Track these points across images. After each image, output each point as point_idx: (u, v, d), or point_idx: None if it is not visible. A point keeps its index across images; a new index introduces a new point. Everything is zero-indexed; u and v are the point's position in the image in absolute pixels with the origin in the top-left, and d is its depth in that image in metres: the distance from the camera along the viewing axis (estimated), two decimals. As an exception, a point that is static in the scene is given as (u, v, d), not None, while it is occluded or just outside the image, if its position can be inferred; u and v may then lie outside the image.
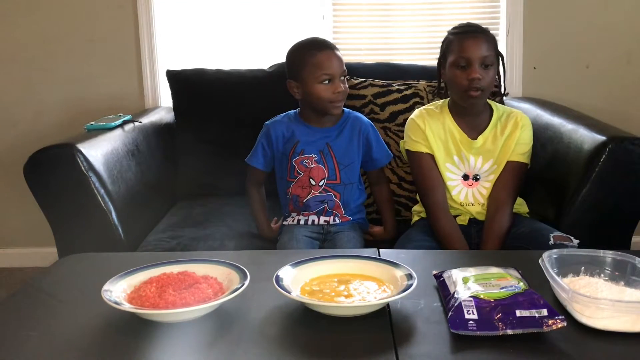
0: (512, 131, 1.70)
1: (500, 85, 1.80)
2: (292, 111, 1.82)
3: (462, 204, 1.73)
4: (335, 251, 1.58)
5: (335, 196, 1.77)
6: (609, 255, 1.11)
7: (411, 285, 1.03)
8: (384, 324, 0.99)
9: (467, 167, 1.72)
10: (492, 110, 1.74)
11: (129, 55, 2.62)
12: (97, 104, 2.61)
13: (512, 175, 1.69)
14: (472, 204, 1.73)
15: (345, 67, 1.72)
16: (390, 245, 1.74)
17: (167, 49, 2.65)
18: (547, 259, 1.07)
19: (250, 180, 1.83)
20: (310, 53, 1.70)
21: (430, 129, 1.72)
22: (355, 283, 1.09)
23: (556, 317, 0.92)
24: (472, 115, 1.72)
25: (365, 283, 1.09)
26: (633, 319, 0.94)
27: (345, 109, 1.82)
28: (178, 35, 2.66)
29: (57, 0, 2.59)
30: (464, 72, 1.62)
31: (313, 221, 1.77)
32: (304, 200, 1.76)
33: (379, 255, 1.29)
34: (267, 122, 1.81)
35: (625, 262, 1.09)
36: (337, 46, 2.62)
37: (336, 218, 1.77)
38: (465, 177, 1.73)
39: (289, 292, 1.02)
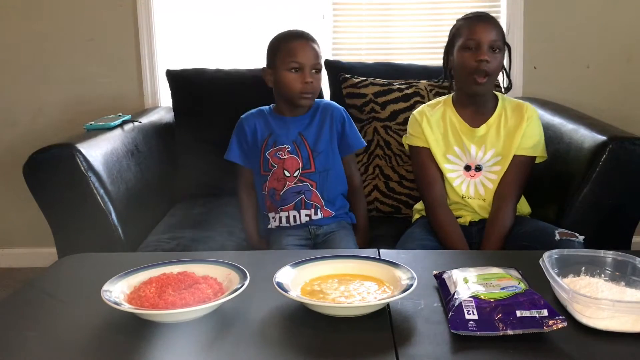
0: (518, 123, 1.69)
1: (507, 78, 1.82)
2: (266, 106, 1.84)
3: (464, 197, 1.72)
4: (335, 251, 1.57)
5: (312, 185, 1.74)
6: (609, 255, 1.11)
7: (411, 285, 1.03)
8: (384, 324, 0.99)
9: (469, 157, 1.72)
10: (497, 101, 1.74)
11: (128, 55, 2.62)
12: (97, 103, 2.61)
13: (518, 170, 1.69)
14: (473, 197, 1.72)
15: (319, 61, 1.72)
16: (392, 244, 1.73)
17: (167, 48, 2.65)
18: (547, 259, 1.07)
19: (240, 181, 1.82)
20: (285, 40, 1.72)
21: (428, 122, 1.73)
22: (356, 283, 1.09)
23: (556, 318, 0.92)
24: (476, 105, 1.72)
25: (366, 283, 1.09)
26: (633, 319, 0.94)
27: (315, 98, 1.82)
28: (178, 35, 2.66)
29: (57, 0, 2.59)
30: (473, 54, 1.63)
31: (295, 217, 1.74)
32: (281, 194, 1.74)
33: (379, 256, 1.29)
34: (242, 115, 1.83)
35: (626, 262, 1.09)
36: (337, 46, 2.68)
37: (318, 211, 1.74)
38: (467, 167, 1.72)
39: (289, 293, 1.02)
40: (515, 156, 1.69)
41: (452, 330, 0.94)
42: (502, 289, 0.98)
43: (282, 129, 1.76)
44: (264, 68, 1.77)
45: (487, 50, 1.62)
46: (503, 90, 1.84)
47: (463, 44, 1.65)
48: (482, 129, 1.70)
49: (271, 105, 1.84)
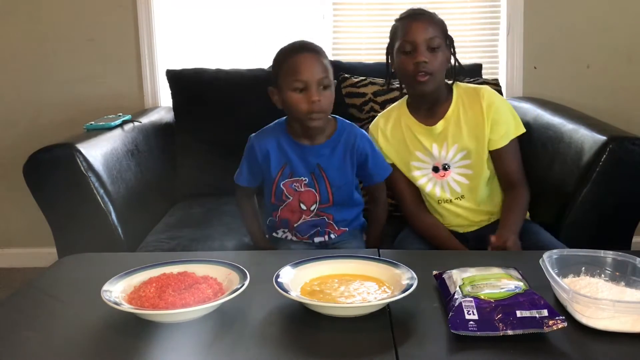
0: (478, 113, 1.60)
1: (458, 65, 1.66)
2: (280, 120, 1.64)
3: (440, 201, 1.67)
4: (336, 251, 1.56)
5: (328, 218, 1.64)
6: (609, 255, 1.11)
7: (411, 285, 1.03)
8: (384, 324, 0.99)
9: (433, 158, 1.64)
10: (452, 94, 1.65)
11: (128, 55, 2.62)
12: (97, 104, 2.61)
13: (508, 159, 1.63)
14: (450, 200, 1.66)
15: (326, 75, 1.50)
16: (391, 242, 1.73)
17: (167, 48, 2.65)
18: (547, 260, 1.07)
19: (240, 195, 1.70)
20: (286, 56, 1.52)
21: (384, 135, 1.68)
22: (356, 283, 1.09)
23: (556, 318, 0.92)
24: (429, 102, 1.63)
25: (366, 283, 1.09)
26: (633, 319, 0.94)
27: (338, 118, 1.64)
28: (178, 35, 2.66)
29: (57, 0, 2.59)
30: (410, 57, 1.54)
31: (306, 243, 1.68)
32: (295, 225, 1.64)
33: (379, 256, 1.29)
34: (253, 135, 1.64)
35: (626, 262, 1.09)
36: (337, 46, 2.68)
37: (331, 236, 1.66)
38: (435, 169, 1.66)
39: (289, 293, 1.02)
40: (495, 151, 1.62)
41: (452, 330, 0.93)
42: (502, 289, 0.98)
43: (299, 159, 1.58)
44: (270, 88, 1.57)
45: (424, 51, 1.53)
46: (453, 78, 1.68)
47: (400, 47, 1.57)
48: (440, 125, 1.62)
49: (284, 120, 1.63)
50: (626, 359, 0.91)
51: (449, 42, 1.61)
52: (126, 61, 2.63)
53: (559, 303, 1.03)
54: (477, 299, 0.96)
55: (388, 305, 1.03)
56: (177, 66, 2.40)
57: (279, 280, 1.06)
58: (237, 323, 1.01)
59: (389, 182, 1.70)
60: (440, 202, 1.67)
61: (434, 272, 1.14)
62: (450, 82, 1.67)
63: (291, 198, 1.62)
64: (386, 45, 1.66)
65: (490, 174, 1.67)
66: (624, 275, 1.08)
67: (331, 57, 2.54)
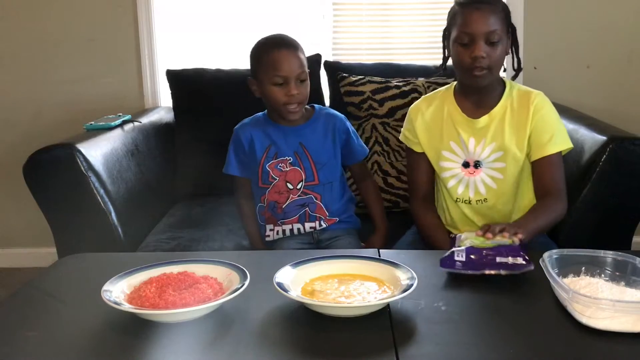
0: (524, 117, 1.52)
1: (517, 58, 1.60)
2: (260, 113, 1.73)
3: (458, 200, 1.59)
4: (336, 251, 1.56)
5: (316, 198, 1.67)
6: (609, 255, 1.11)
7: (411, 285, 1.03)
8: (384, 324, 0.99)
9: (467, 152, 1.56)
10: (504, 90, 1.56)
11: (128, 55, 2.62)
12: (97, 104, 2.61)
13: (548, 171, 1.50)
14: (469, 201, 1.57)
15: (303, 70, 1.59)
16: (391, 239, 1.72)
17: (167, 49, 2.65)
18: (547, 259, 1.07)
19: (237, 191, 1.75)
20: (266, 51, 1.59)
21: (423, 120, 1.60)
22: (356, 283, 1.09)
23: (529, 264, 1.12)
24: (480, 94, 1.55)
25: (366, 283, 1.09)
26: (633, 319, 0.94)
27: (315, 105, 1.74)
28: (178, 35, 2.66)
29: (57, 0, 2.59)
30: (467, 50, 1.46)
31: (299, 229, 1.68)
32: (283, 207, 1.66)
33: (379, 256, 1.29)
34: (236, 126, 1.73)
35: (626, 262, 1.09)
36: (337, 46, 2.68)
37: (322, 222, 1.68)
38: (466, 164, 1.57)
39: (289, 293, 1.02)
40: (536, 161, 1.52)
41: (441, 267, 1.16)
42: (493, 242, 1.19)
43: (281, 139, 1.66)
44: (249, 79, 1.66)
45: (483, 45, 1.44)
46: (513, 72, 1.63)
47: (457, 37, 1.47)
48: (483, 120, 1.54)
49: (265, 111, 1.73)
50: (626, 359, 0.91)
51: (511, 30, 1.52)
52: (126, 61, 2.63)
53: (559, 303, 1.03)
54: (469, 247, 1.17)
55: (388, 305, 1.03)
56: (177, 66, 2.40)
57: (278, 280, 1.06)
58: (237, 323, 1.01)
59: (409, 167, 1.68)
60: (458, 200, 1.59)
61: (451, 235, 1.40)
62: (510, 77, 1.60)
63: (277, 179, 1.66)
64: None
65: (520, 189, 1.57)
66: (624, 275, 1.08)
67: (331, 57, 2.55)
